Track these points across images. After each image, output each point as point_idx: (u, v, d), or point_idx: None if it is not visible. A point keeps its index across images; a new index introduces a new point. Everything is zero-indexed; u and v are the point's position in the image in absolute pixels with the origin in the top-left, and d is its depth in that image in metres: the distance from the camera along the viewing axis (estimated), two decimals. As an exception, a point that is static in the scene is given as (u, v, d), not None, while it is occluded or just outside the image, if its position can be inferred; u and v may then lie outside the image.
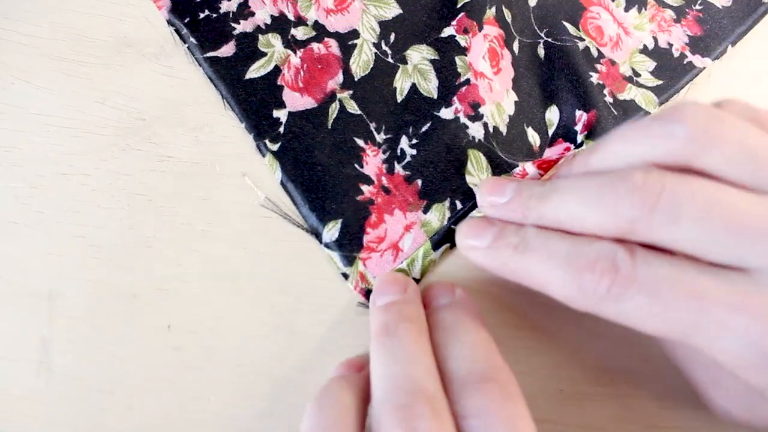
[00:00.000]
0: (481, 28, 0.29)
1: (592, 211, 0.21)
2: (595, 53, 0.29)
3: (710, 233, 0.19)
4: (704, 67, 0.30)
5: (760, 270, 0.18)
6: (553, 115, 0.29)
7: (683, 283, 0.19)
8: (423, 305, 0.24)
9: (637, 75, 0.30)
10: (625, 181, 0.20)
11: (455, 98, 0.28)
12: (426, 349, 0.21)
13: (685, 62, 0.30)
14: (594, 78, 0.29)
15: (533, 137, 0.28)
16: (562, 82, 0.29)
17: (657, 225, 0.19)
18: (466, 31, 0.28)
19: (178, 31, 0.28)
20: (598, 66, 0.29)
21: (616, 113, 0.28)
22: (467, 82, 0.28)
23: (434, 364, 0.21)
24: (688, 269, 0.19)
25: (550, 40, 0.29)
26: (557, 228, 0.22)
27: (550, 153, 0.28)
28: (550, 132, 0.28)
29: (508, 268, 0.22)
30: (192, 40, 0.28)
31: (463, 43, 0.28)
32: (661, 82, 0.30)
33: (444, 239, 0.26)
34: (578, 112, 0.28)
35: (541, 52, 0.29)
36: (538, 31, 0.30)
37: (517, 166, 0.27)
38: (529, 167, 0.27)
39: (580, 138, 0.28)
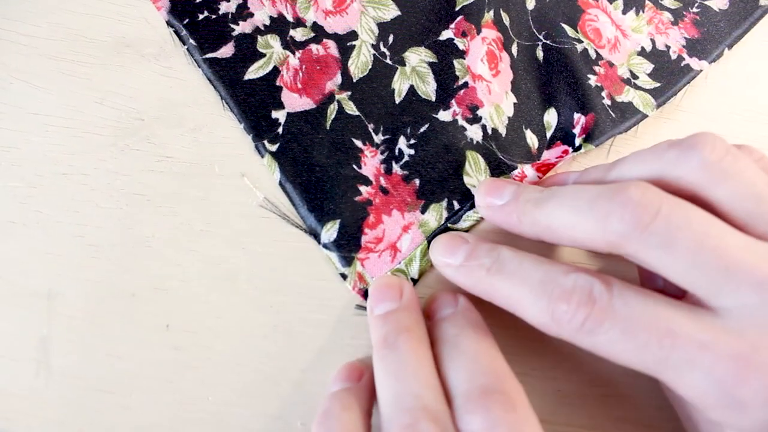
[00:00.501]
0: (479, 32, 0.29)
1: (584, 220, 0.21)
2: (593, 55, 0.30)
3: (700, 266, 0.19)
4: (701, 70, 0.30)
5: (732, 312, 0.19)
6: (551, 117, 0.29)
7: (657, 320, 0.19)
8: (426, 317, 0.24)
9: (635, 77, 0.30)
10: (621, 193, 0.20)
11: (453, 101, 0.28)
12: (426, 362, 0.21)
13: (682, 65, 0.30)
14: (592, 80, 0.29)
15: (531, 139, 0.28)
16: (560, 84, 0.29)
17: (647, 245, 0.19)
18: (464, 35, 0.29)
19: (177, 32, 0.28)
20: (597, 68, 0.29)
21: (614, 115, 0.28)
22: (465, 85, 0.28)
23: (436, 377, 0.21)
24: (662, 307, 0.19)
25: (548, 42, 0.30)
26: (549, 236, 0.22)
27: (548, 155, 0.28)
28: (548, 134, 0.28)
29: (480, 288, 0.23)
30: (191, 41, 0.28)
31: (461, 47, 0.28)
32: (658, 84, 0.30)
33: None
34: (576, 115, 0.28)
35: (539, 54, 0.30)
36: (536, 33, 0.30)
37: (516, 168, 0.27)
38: (528, 170, 0.27)
39: (578, 141, 0.28)
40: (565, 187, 0.22)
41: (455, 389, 0.21)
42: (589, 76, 0.29)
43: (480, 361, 0.21)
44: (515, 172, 0.27)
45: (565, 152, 0.28)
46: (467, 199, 0.26)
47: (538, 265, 0.22)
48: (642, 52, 0.31)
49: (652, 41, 0.31)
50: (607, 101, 0.29)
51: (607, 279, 0.20)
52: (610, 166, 0.24)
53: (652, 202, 0.19)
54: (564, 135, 0.28)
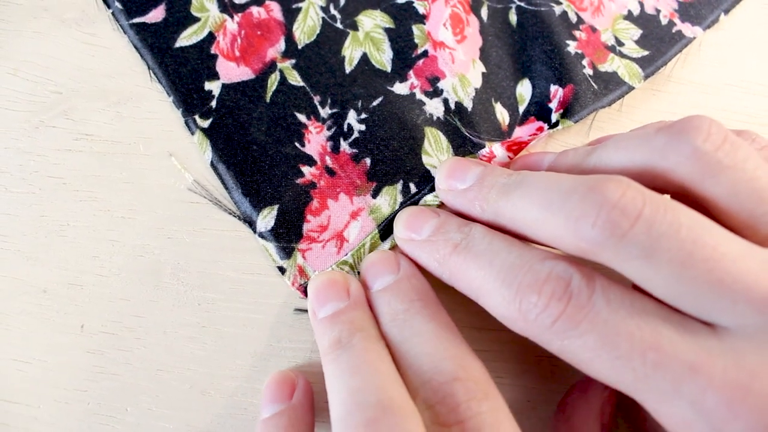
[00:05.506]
0: None
1: (552, 217, 0.17)
2: (573, 18, 0.26)
3: (687, 280, 0.15)
4: (694, 37, 0.27)
5: (730, 331, 0.15)
6: (525, 89, 0.25)
7: (642, 330, 0.16)
8: (363, 286, 0.21)
9: (621, 44, 0.26)
10: (597, 191, 0.17)
11: (411, 72, 0.24)
12: (384, 355, 0.19)
13: (673, 31, 0.27)
14: (572, 47, 0.26)
15: (501, 114, 0.25)
16: (535, 52, 0.25)
17: (624, 256, 0.16)
18: None
19: (101, -6, 0.25)
20: (577, 33, 0.26)
21: (596, 87, 0.25)
22: (425, 54, 0.25)
23: (395, 369, 0.18)
24: (650, 314, 0.16)
25: (522, 4, 0.26)
26: (512, 231, 0.19)
27: (520, 133, 0.25)
28: (521, 108, 0.25)
29: (444, 268, 0.19)
30: (117, 4, 0.25)
31: (421, 10, 0.25)
32: (646, 52, 0.26)
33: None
34: (553, 87, 0.25)
35: (513, 18, 0.26)
36: None
37: (484, 146, 0.24)
38: (498, 149, 0.24)
39: (554, 117, 0.24)
40: (536, 174, 0.19)
41: (417, 376, 0.18)
42: (568, 42, 0.26)
43: (440, 342, 0.18)
44: (483, 151, 0.24)
45: (540, 129, 0.24)
46: (426, 182, 0.23)
47: (511, 247, 0.18)
48: (629, 16, 0.27)
49: (641, 4, 0.28)
50: (588, 70, 0.25)
51: (589, 273, 0.17)
52: (589, 151, 0.20)
53: (633, 204, 0.16)
54: (539, 110, 0.25)
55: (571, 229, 0.17)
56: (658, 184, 0.18)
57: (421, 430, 0.16)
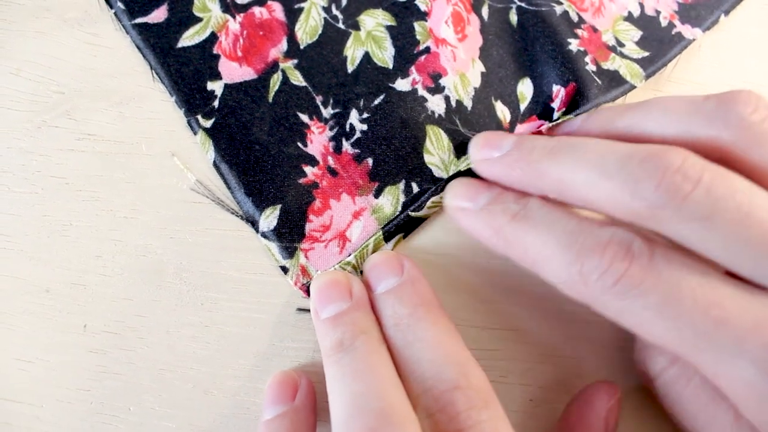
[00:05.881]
0: None
1: (608, 181, 0.17)
2: (575, 18, 0.26)
3: (744, 241, 0.16)
4: (694, 39, 0.27)
5: None
6: (526, 88, 0.25)
7: (704, 288, 0.16)
8: (367, 288, 0.21)
9: (621, 45, 0.27)
10: (659, 158, 0.17)
11: (413, 68, 0.24)
12: (386, 359, 0.19)
13: (673, 33, 0.27)
14: (574, 45, 0.26)
15: (502, 112, 0.25)
16: (537, 52, 0.25)
17: (685, 218, 0.16)
18: None
19: (103, -6, 0.25)
20: (579, 31, 0.26)
21: (600, 82, 0.25)
22: (427, 50, 0.25)
23: (396, 374, 0.18)
24: (711, 275, 0.16)
25: (523, 4, 0.26)
26: (558, 193, 0.19)
27: (522, 130, 0.25)
28: (522, 107, 0.25)
29: (500, 237, 0.20)
30: (119, 4, 0.25)
31: (423, 8, 0.25)
32: (647, 53, 0.27)
33: (398, 229, 0.23)
34: (555, 87, 0.25)
35: (513, 18, 0.26)
36: None
37: None
38: None
39: (556, 115, 0.25)
40: (586, 139, 0.19)
41: (418, 386, 0.18)
42: (570, 40, 0.25)
43: (442, 349, 0.19)
44: None
45: (541, 126, 0.24)
46: (428, 181, 0.23)
47: (570, 215, 0.19)
48: (629, 18, 0.27)
49: (641, 5, 0.28)
50: (591, 66, 0.25)
51: (649, 236, 0.17)
52: (621, 111, 0.21)
53: (693, 169, 0.17)
54: (542, 109, 0.25)
55: (629, 191, 0.17)
56: (698, 150, 0.18)
57: None
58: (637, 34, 0.27)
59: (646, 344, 0.20)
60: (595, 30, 0.26)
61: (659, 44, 0.27)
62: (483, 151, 0.21)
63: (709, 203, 0.16)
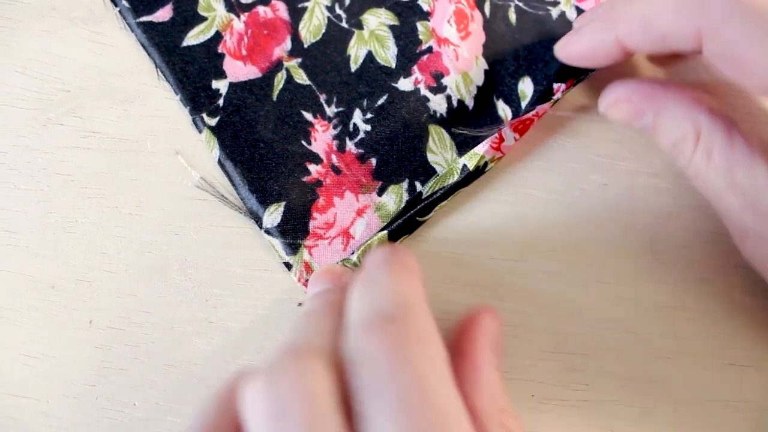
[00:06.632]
0: None
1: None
2: (572, 16, 0.26)
3: None
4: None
5: None
6: (526, 86, 0.25)
7: None
8: None
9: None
10: None
11: (415, 67, 0.25)
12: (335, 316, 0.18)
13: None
14: None
15: (504, 110, 0.25)
16: (534, 54, 0.26)
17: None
18: None
19: (108, -7, 0.25)
20: None
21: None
22: (429, 50, 0.25)
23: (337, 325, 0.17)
24: None
25: (521, 4, 0.26)
26: (642, 32, 0.20)
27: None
28: (524, 104, 0.25)
29: None
30: (124, 2, 0.25)
31: (425, 7, 0.25)
32: (647, 53, 0.27)
33: (403, 229, 0.23)
34: (555, 85, 0.25)
35: (512, 16, 0.26)
36: None
37: (487, 141, 0.24)
38: (506, 132, 0.24)
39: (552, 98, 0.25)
40: None
41: (348, 318, 0.17)
42: None
43: (389, 287, 0.17)
44: (491, 137, 0.24)
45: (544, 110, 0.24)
46: (432, 181, 0.23)
47: None
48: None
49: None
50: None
51: None
52: None
53: None
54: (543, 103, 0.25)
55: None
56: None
57: (320, 373, 0.14)
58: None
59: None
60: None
61: None
62: (564, 40, 0.22)
63: None
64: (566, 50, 0.23)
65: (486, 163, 0.23)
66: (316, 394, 0.14)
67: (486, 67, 0.25)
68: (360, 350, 0.15)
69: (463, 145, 0.24)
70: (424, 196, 0.23)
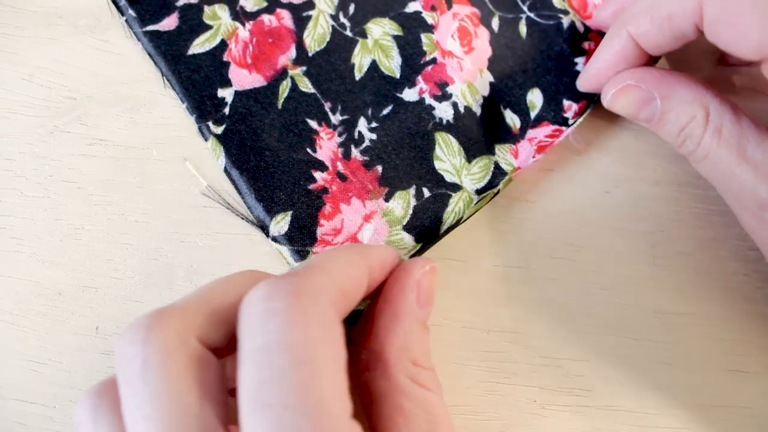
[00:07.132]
0: (450, 6, 0.26)
1: None
2: (581, 28, 0.27)
3: None
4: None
5: None
6: (535, 97, 0.26)
7: None
8: None
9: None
10: None
11: (420, 78, 0.25)
12: None
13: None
14: (580, 64, 0.26)
15: (512, 119, 0.25)
16: (545, 66, 0.26)
17: None
18: (433, 8, 0.26)
19: (115, 2, 0.25)
20: (587, 44, 0.26)
21: None
22: (434, 60, 0.25)
23: None
24: None
25: (532, 15, 0.27)
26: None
27: (534, 134, 0.25)
28: (533, 114, 0.25)
29: None
30: (130, 11, 0.25)
31: (429, 21, 0.26)
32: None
33: (428, 236, 0.23)
34: (566, 102, 0.25)
35: (522, 29, 0.27)
36: (520, 3, 0.27)
37: (494, 149, 0.24)
38: (524, 145, 0.24)
39: (571, 122, 0.25)
40: None
41: None
42: (577, 59, 0.26)
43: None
44: (507, 145, 0.24)
45: (558, 132, 0.25)
46: (440, 186, 0.24)
47: None
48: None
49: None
50: None
51: None
52: None
53: None
54: (553, 116, 0.25)
55: None
56: None
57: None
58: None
59: None
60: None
61: None
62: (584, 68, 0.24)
63: None
64: (587, 70, 0.24)
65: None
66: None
67: (491, 79, 0.26)
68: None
69: (472, 150, 0.24)
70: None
